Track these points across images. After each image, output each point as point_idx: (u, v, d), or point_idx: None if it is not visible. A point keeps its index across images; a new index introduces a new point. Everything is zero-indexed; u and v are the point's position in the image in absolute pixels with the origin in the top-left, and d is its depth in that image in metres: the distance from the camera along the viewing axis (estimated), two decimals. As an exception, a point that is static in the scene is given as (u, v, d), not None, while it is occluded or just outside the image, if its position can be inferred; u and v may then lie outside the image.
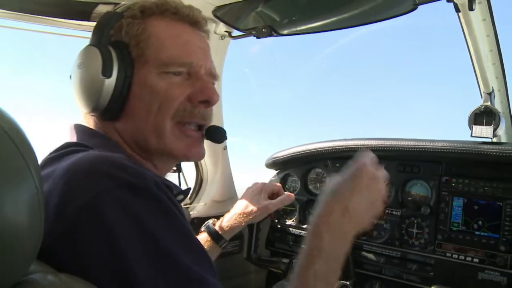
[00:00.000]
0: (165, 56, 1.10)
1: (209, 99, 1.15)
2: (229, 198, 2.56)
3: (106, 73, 1.06)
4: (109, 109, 1.09)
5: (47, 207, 0.81)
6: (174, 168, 1.43)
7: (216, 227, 1.85)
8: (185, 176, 1.82)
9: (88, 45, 1.13)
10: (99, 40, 1.12)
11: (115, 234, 0.82)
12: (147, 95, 1.09)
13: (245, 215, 1.85)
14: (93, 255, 0.82)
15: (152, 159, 1.16)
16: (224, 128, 1.33)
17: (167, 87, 1.10)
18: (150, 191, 0.89)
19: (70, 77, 1.15)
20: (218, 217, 1.96)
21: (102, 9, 1.66)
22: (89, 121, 1.17)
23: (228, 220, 1.86)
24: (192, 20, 1.18)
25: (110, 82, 1.07)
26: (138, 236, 0.84)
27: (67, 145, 1.07)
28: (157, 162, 1.17)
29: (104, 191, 0.84)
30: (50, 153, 1.06)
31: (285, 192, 2.03)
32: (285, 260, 2.01)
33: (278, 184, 2.11)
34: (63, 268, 0.80)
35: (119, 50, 1.10)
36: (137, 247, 0.83)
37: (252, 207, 1.87)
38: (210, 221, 1.89)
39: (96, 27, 1.16)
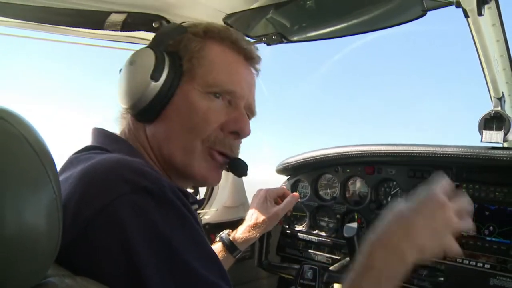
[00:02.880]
0: (212, 78, 1.14)
1: (240, 131, 1.18)
2: (240, 204, 2.58)
3: (155, 76, 1.10)
4: (147, 111, 1.13)
5: (65, 210, 0.83)
6: (192, 190, 1.45)
7: (231, 238, 1.85)
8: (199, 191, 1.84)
9: (145, 46, 1.17)
10: (158, 45, 1.16)
11: (130, 238, 0.83)
12: (185, 109, 1.13)
13: (257, 226, 1.86)
14: (107, 259, 0.83)
15: (170, 174, 1.18)
16: (247, 163, 1.33)
17: (206, 109, 1.13)
18: (167, 197, 0.91)
19: (120, 71, 1.19)
20: (229, 223, 1.96)
21: (115, 18, 1.68)
22: (123, 121, 1.22)
23: (242, 232, 1.86)
24: (248, 55, 1.23)
25: (156, 86, 1.11)
26: (153, 241, 0.85)
27: (88, 148, 1.10)
28: (173, 178, 1.19)
29: (121, 196, 0.85)
30: (73, 154, 1.09)
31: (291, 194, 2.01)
32: (296, 266, 2.01)
33: (282, 187, 2.11)
34: (79, 271, 0.81)
35: (173, 60, 1.14)
36: (151, 252, 0.84)
37: (262, 217, 1.86)
38: (226, 232, 1.90)
39: (158, 34, 1.22)
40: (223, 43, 1.19)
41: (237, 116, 1.17)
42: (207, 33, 1.19)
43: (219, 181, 1.26)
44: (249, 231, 1.86)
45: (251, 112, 1.26)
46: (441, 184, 1.14)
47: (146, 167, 0.94)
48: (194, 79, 1.14)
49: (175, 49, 1.17)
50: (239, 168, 1.30)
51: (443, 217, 1.09)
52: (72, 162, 1.04)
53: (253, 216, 1.89)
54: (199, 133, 1.13)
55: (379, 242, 1.07)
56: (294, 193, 1.99)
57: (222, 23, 1.88)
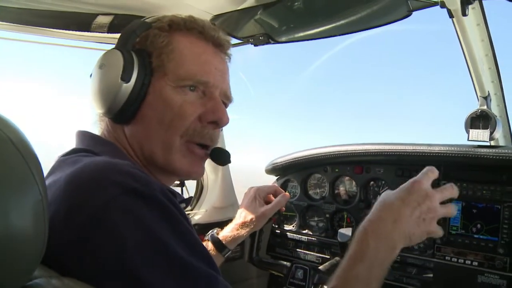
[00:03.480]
0: (184, 71, 1.13)
1: (218, 121, 1.18)
2: (230, 204, 2.58)
3: (125, 77, 1.09)
4: (122, 112, 1.12)
5: (54, 213, 0.83)
6: (178, 182, 1.45)
7: (220, 237, 1.85)
8: (186, 186, 1.83)
9: (113, 48, 1.16)
10: (124, 45, 1.15)
11: (124, 241, 0.83)
12: (160, 106, 1.12)
13: (245, 225, 1.86)
14: (102, 262, 0.83)
15: (153, 171, 1.18)
16: (228, 151, 1.34)
17: (181, 103, 1.12)
18: (156, 198, 0.91)
19: (91, 75, 1.18)
20: (219, 224, 1.95)
21: (101, 20, 1.68)
22: (101, 124, 1.21)
23: (231, 231, 1.86)
24: (216, 42, 1.21)
25: (127, 87, 1.10)
26: (146, 242, 0.85)
27: (75, 151, 1.09)
28: (157, 175, 1.19)
29: (112, 199, 0.85)
30: (60, 157, 1.08)
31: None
32: (287, 264, 2.02)
33: (272, 184, 2.10)
34: (70, 273, 0.81)
35: (141, 58, 1.13)
36: (145, 253, 0.84)
37: (250, 217, 1.86)
38: (214, 230, 1.89)
39: (123, 33, 1.18)
40: (190, 34, 1.18)
41: (213, 105, 1.16)
42: (172, 26, 1.17)
43: (203, 174, 1.28)
44: (238, 230, 1.86)
45: (227, 99, 1.25)
46: (425, 173, 1.21)
47: (134, 169, 0.94)
48: (166, 75, 1.13)
49: (142, 46, 1.16)
50: (221, 157, 1.31)
51: (427, 206, 1.17)
52: (60, 165, 1.04)
53: (241, 215, 1.89)
54: (177, 128, 1.12)
55: (371, 231, 1.13)
56: (286, 193, 1.98)
57: (209, 24, 1.89)
